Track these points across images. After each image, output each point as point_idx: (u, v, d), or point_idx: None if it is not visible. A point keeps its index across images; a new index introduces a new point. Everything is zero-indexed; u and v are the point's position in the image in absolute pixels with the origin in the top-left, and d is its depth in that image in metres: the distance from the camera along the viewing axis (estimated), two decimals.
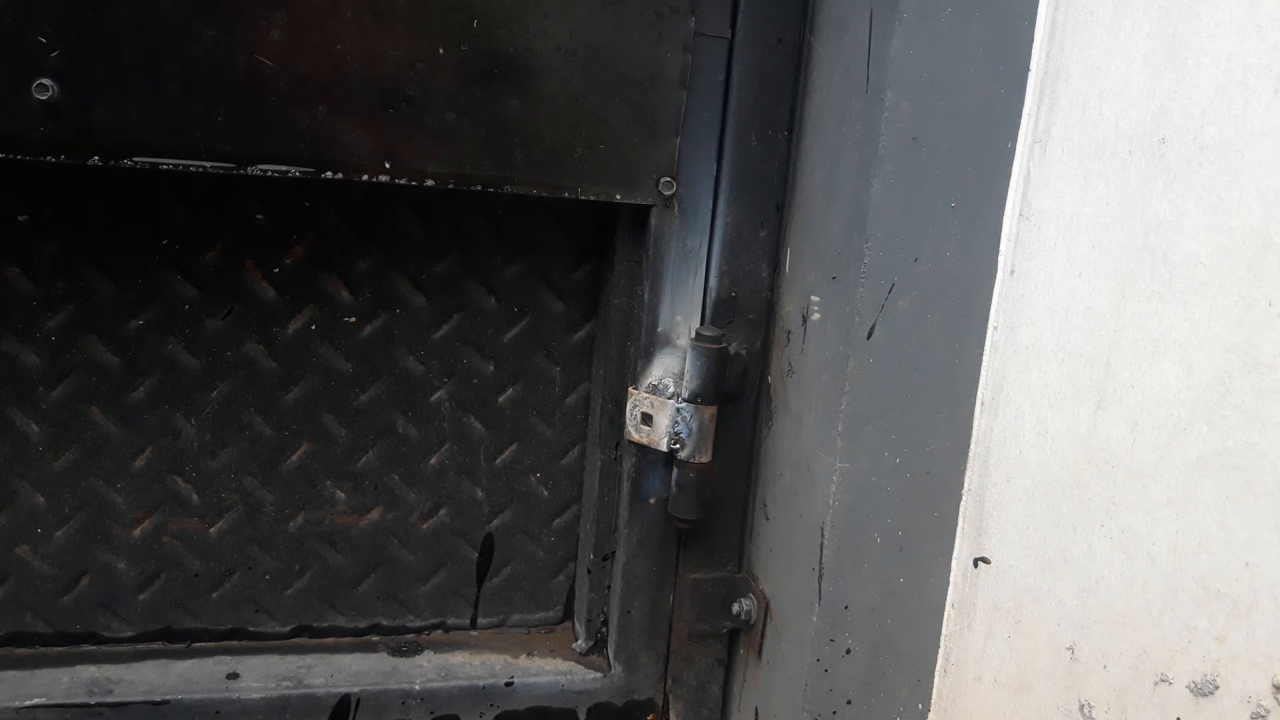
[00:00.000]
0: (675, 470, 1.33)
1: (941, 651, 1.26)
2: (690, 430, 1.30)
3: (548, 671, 1.45)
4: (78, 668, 1.34)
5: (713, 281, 1.32)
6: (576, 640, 1.52)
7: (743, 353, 1.35)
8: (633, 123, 1.21)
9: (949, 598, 1.25)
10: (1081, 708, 1.05)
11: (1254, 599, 0.86)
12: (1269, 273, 0.84)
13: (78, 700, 1.28)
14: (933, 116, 1.11)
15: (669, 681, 1.48)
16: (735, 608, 1.43)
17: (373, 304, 1.36)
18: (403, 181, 1.15)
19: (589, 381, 1.48)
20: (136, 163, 1.07)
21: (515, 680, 1.43)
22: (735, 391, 1.36)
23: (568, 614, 1.57)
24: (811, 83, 1.27)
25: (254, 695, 1.34)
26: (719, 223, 1.30)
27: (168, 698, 1.31)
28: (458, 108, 1.14)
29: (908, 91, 1.10)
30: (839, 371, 1.18)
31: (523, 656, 1.48)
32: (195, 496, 1.37)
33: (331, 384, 1.38)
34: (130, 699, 1.30)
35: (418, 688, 1.40)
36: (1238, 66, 0.87)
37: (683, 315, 1.32)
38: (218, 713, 1.32)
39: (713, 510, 1.39)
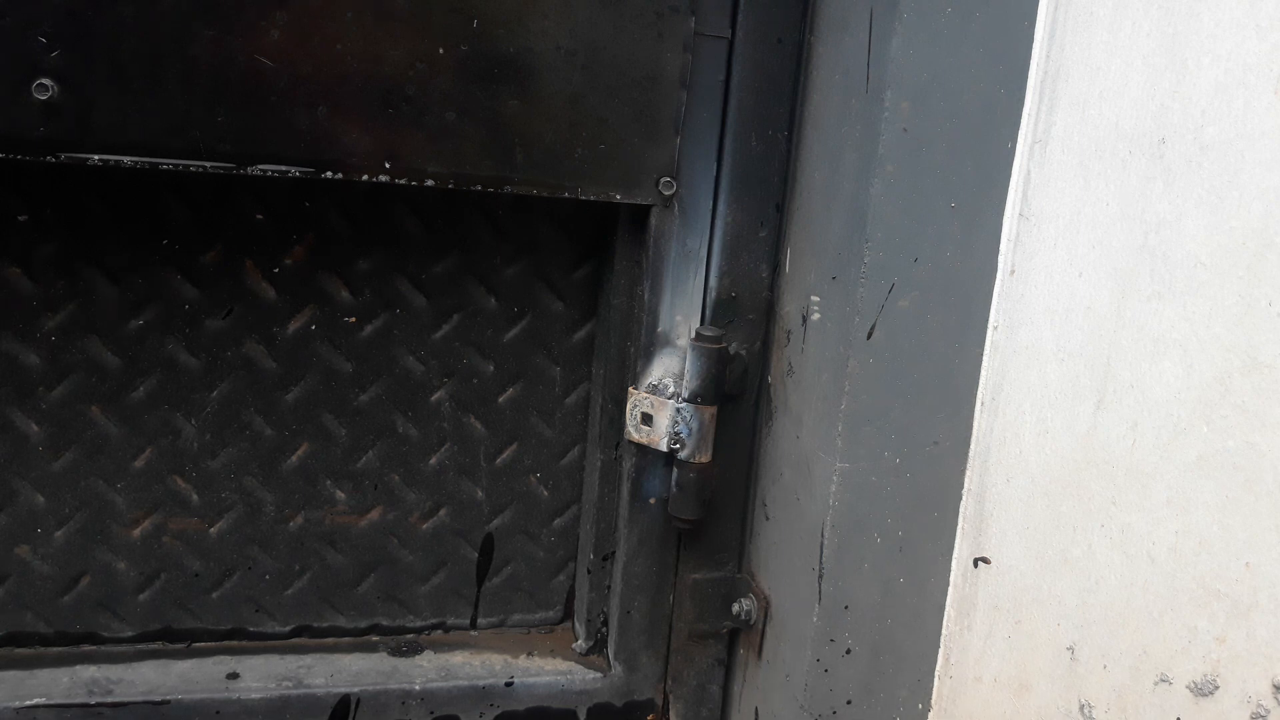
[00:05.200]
0: (675, 470, 1.33)
1: (941, 651, 1.26)
2: (690, 430, 1.30)
3: (548, 671, 1.45)
4: (78, 668, 1.34)
5: (713, 281, 1.32)
6: (576, 640, 1.52)
7: (743, 353, 1.35)
8: (633, 123, 1.21)
9: (949, 598, 1.25)
10: (1081, 708, 1.05)
11: (1254, 599, 0.86)
12: (1269, 273, 0.84)
13: (78, 700, 1.28)
14: (933, 116, 1.11)
15: (669, 681, 1.48)
16: (735, 608, 1.43)
17: (373, 304, 1.36)
18: (403, 181, 1.15)
19: (589, 381, 1.48)
20: (136, 163, 1.07)
21: (515, 680, 1.43)
22: (735, 391, 1.36)
23: (568, 614, 1.57)
24: (811, 83, 1.27)
25: (254, 695, 1.34)
26: (719, 223, 1.30)
27: (168, 698, 1.31)
28: (458, 108, 1.14)
29: (908, 91, 1.10)
30: (839, 371, 1.18)
31: (523, 656, 1.48)
32: (195, 496, 1.37)
33: (331, 384, 1.38)
34: (130, 699, 1.30)
35: (418, 688, 1.40)
36: (1238, 66, 0.87)
37: (683, 315, 1.32)
38: (218, 713, 1.32)
39: (713, 510, 1.39)
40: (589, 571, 1.47)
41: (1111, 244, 1.00)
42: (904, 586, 1.25)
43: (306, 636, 1.47)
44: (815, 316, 1.25)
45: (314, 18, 1.08)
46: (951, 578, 1.24)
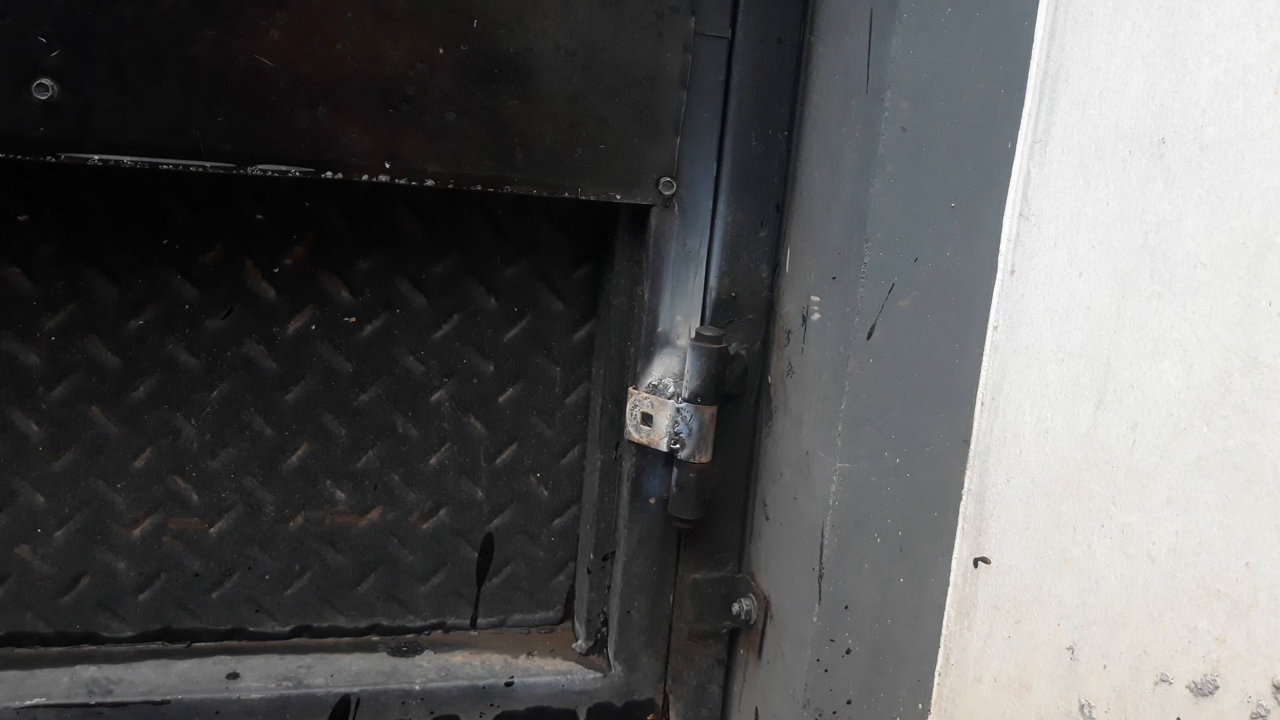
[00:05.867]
0: (675, 470, 1.33)
1: (941, 651, 1.26)
2: (690, 430, 1.30)
3: (548, 671, 1.45)
4: (78, 668, 1.34)
5: (713, 281, 1.32)
6: (576, 640, 1.52)
7: (743, 353, 1.35)
8: (633, 123, 1.21)
9: (949, 598, 1.25)
10: (1081, 708, 1.05)
11: (1254, 599, 0.86)
12: (1269, 273, 0.84)
13: (78, 700, 1.28)
14: (933, 116, 1.11)
15: (669, 681, 1.48)
16: (735, 608, 1.43)
17: (373, 304, 1.36)
18: (403, 181, 1.15)
19: (589, 381, 1.48)
20: (136, 163, 1.07)
21: (515, 680, 1.43)
22: (735, 391, 1.36)
23: (568, 614, 1.57)
24: (811, 83, 1.27)
25: (254, 695, 1.34)
26: (719, 223, 1.30)
27: (168, 698, 1.31)
28: (458, 108, 1.14)
29: (908, 91, 1.10)
30: (839, 371, 1.18)
31: (523, 656, 1.48)
32: (195, 496, 1.37)
33: (331, 384, 1.38)
34: (130, 699, 1.30)
35: (418, 688, 1.40)
36: (1238, 66, 0.87)
37: (683, 315, 1.32)
38: (218, 713, 1.32)
39: (713, 510, 1.39)
40: (589, 571, 1.47)
41: (1111, 244, 1.00)
42: (904, 586, 1.25)
43: (306, 636, 1.47)
44: (815, 316, 1.25)
45: (314, 18, 1.08)
46: (951, 578, 1.24)
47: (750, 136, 1.28)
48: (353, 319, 1.36)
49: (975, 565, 1.20)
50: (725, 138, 1.28)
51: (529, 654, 1.49)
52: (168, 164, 1.08)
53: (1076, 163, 1.05)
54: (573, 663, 1.48)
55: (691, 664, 1.47)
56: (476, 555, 1.51)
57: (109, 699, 1.29)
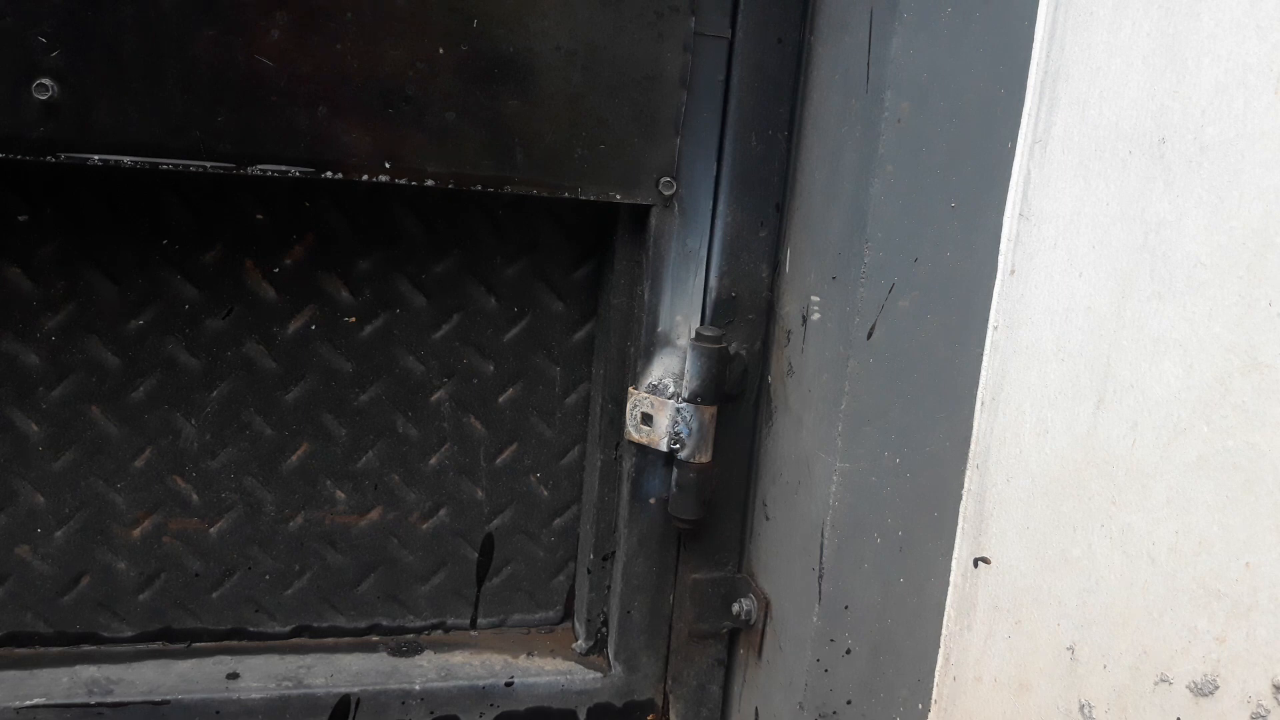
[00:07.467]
0: (675, 470, 1.33)
1: (941, 651, 1.26)
2: (690, 430, 1.30)
3: (548, 671, 1.45)
4: (78, 668, 1.34)
5: (713, 281, 1.32)
6: (576, 640, 1.52)
7: (743, 353, 1.35)
8: (633, 123, 1.21)
9: (949, 598, 1.25)
10: (1081, 708, 1.05)
11: (1254, 599, 0.86)
12: (1269, 273, 0.84)
13: (78, 700, 1.28)
14: (933, 116, 1.11)
15: (669, 681, 1.48)
16: (735, 608, 1.43)
17: (373, 304, 1.36)
18: (403, 181, 1.15)
19: (589, 381, 1.48)
20: (137, 163, 1.07)
21: (515, 680, 1.43)
22: (735, 391, 1.36)
23: (568, 614, 1.57)
24: (811, 83, 1.27)
25: (254, 695, 1.34)
26: (719, 223, 1.30)
27: (168, 698, 1.31)
28: (458, 108, 1.14)
29: (908, 91, 1.10)
30: (839, 371, 1.18)
31: (523, 656, 1.48)
32: (195, 496, 1.37)
33: (331, 384, 1.38)
34: (130, 699, 1.30)
35: (418, 688, 1.40)
36: (1238, 66, 0.87)
37: (683, 315, 1.32)
38: (218, 713, 1.32)
39: (713, 510, 1.39)
40: (589, 571, 1.47)
41: (1111, 244, 1.00)
42: (904, 586, 1.25)
43: (306, 636, 1.47)
44: (815, 316, 1.25)
45: (314, 18, 1.08)
46: (951, 578, 1.24)
47: (750, 136, 1.28)
48: (353, 319, 1.36)
49: (975, 565, 1.20)
50: (725, 138, 1.28)
51: (529, 654, 1.49)
52: (168, 164, 1.08)
53: (1076, 163, 1.05)
54: (573, 663, 1.48)
55: (691, 664, 1.47)
56: (476, 555, 1.51)
57: (109, 699, 1.29)
